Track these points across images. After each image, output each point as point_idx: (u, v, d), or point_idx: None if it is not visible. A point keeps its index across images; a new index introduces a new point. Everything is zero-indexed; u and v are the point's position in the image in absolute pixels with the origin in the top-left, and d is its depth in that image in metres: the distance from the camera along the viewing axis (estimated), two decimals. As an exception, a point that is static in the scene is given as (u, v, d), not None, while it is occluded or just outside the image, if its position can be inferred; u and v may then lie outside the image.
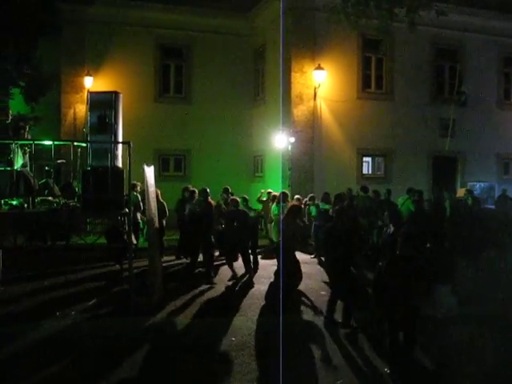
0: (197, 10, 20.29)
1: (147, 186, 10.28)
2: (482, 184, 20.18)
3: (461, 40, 20.82)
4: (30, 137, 10.85)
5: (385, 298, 6.88)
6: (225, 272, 12.52)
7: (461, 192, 18.18)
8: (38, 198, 10.17)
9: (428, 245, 10.35)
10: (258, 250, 13.03)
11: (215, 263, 12.75)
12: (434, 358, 6.95)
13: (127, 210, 9.74)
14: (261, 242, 13.88)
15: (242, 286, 11.34)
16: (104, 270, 12.56)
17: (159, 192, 13.69)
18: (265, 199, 16.07)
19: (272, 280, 10.62)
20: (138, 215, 13.46)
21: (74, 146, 10.42)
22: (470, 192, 15.96)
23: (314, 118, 18.74)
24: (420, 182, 18.64)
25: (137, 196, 13.22)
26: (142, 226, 14.39)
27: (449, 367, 6.75)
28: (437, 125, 20.42)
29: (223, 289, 11.07)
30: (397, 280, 6.54)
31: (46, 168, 12.66)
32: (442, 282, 6.76)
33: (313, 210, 14.43)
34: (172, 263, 13.68)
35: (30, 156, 10.49)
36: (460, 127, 20.37)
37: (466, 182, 20.18)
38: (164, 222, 14.12)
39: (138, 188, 13.38)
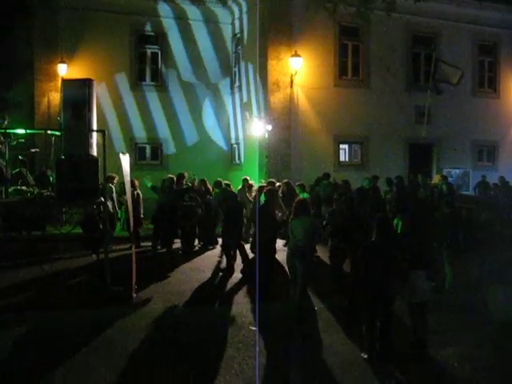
0: (173, -4, 20.09)
1: (124, 175, 10.20)
2: (457, 170, 20.44)
3: (436, 27, 20.92)
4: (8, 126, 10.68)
5: (361, 285, 6.94)
6: (202, 260, 12.57)
7: (436, 178, 18.40)
8: (12, 188, 10.03)
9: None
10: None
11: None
12: (409, 342, 7.05)
13: (103, 199, 9.66)
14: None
15: (220, 274, 11.36)
16: (80, 259, 12.44)
17: (136, 182, 13.71)
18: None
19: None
20: (110, 205, 13.38)
21: (47, 134, 10.30)
22: (444, 178, 16.12)
23: (290, 106, 18.71)
24: (396, 168, 18.77)
25: (111, 188, 13.14)
26: (120, 215, 14.32)
27: (424, 351, 6.85)
28: (413, 112, 20.54)
29: (201, 277, 11.07)
30: (372, 267, 6.60)
31: (20, 157, 12.50)
32: (416, 267, 6.81)
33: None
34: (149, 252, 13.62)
35: (7, 145, 10.32)
36: (436, 114, 20.53)
37: (442, 169, 20.39)
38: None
39: (115, 180, 13.25)
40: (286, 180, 14.59)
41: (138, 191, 13.77)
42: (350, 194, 12.47)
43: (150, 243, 13.79)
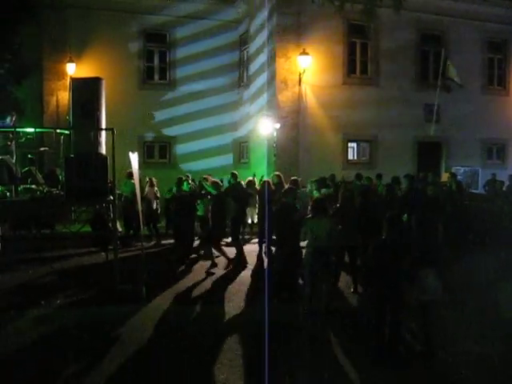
0: (181, -5, 20.11)
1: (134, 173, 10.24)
2: (466, 169, 20.30)
3: (445, 25, 20.80)
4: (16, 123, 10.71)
5: (372, 281, 6.91)
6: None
7: (445, 176, 18.27)
8: (21, 187, 10.06)
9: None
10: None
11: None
12: (418, 339, 7.01)
13: (112, 198, 9.67)
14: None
15: (229, 273, 11.34)
16: (90, 258, 12.46)
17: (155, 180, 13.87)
18: None
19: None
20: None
21: (56, 133, 10.32)
22: (453, 176, 16.00)
23: (299, 104, 18.68)
24: (405, 167, 18.65)
25: (133, 184, 13.22)
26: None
27: (433, 349, 6.81)
28: (422, 110, 20.46)
29: (211, 275, 11.06)
30: (382, 264, 6.56)
31: (29, 156, 12.51)
32: (427, 265, 6.77)
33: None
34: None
35: (16, 144, 10.35)
36: (445, 112, 20.43)
37: (451, 167, 20.27)
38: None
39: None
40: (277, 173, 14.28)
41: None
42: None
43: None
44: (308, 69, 18.53)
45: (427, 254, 6.91)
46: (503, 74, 22.51)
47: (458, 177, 17.69)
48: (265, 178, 13.42)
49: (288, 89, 18.55)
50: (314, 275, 8.40)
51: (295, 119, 18.60)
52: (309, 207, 10.69)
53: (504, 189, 16.91)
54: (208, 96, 20.91)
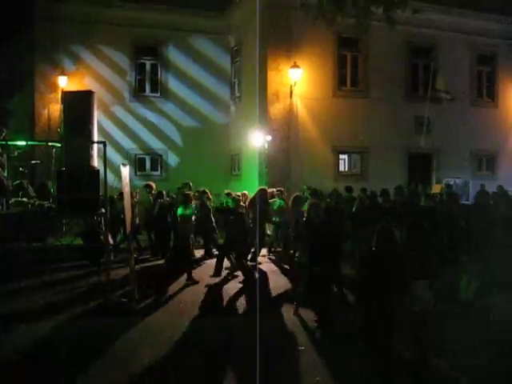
0: (172, 8, 20.21)
1: (123, 186, 10.22)
2: (457, 180, 20.42)
3: (435, 38, 21.00)
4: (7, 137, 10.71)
5: (364, 292, 6.92)
6: (204, 270, 12.55)
7: (437, 188, 18.36)
8: (12, 200, 10.05)
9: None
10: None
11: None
12: (410, 350, 7.02)
13: (103, 211, 9.67)
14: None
15: (220, 285, 11.33)
16: (81, 271, 12.39)
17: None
18: None
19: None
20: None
21: (48, 146, 10.33)
22: (448, 187, 16.02)
23: (290, 116, 18.76)
24: (396, 178, 18.74)
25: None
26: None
27: (425, 361, 6.82)
28: (412, 122, 20.59)
29: (202, 287, 11.03)
30: (374, 274, 6.57)
31: (21, 169, 12.51)
32: (418, 277, 6.78)
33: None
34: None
35: (7, 157, 10.37)
36: (435, 124, 20.58)
37: (441, 179, 20.39)
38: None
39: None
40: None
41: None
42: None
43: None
44: (299, 81, 18.63)
45: (419, 265, 6.90)
46: (492, 87, 22.72)
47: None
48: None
49: (279, 101, 18.64)
50: None
51: (286, 131, 18.67)
52: None
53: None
54: (199, 108, 21.00)
